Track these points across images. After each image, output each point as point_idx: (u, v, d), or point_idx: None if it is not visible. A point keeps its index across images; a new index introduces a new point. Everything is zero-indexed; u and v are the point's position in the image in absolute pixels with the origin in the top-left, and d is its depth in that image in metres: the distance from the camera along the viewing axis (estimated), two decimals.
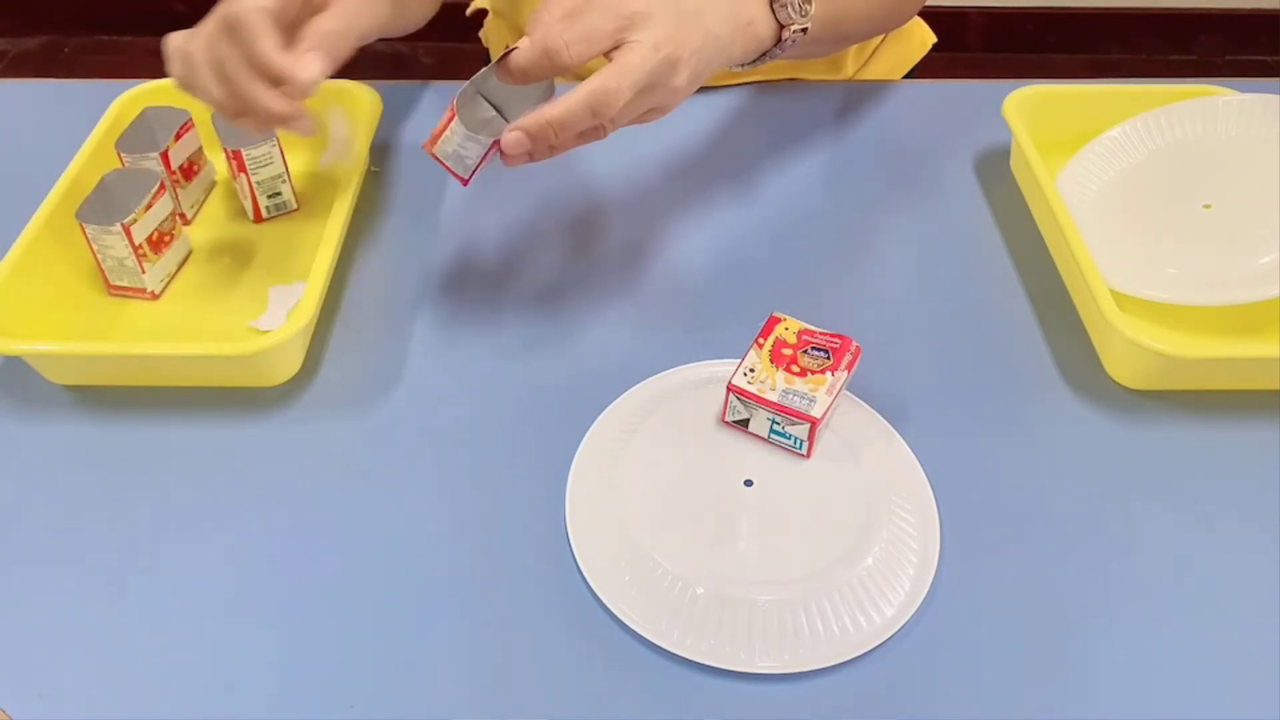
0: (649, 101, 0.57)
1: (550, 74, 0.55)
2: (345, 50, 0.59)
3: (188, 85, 0.58)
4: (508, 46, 0.56)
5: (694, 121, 0.82)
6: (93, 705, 0.48)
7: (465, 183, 0.59)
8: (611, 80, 0.54)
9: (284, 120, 0.57)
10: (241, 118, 0.58)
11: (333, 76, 0.76)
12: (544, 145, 0.56)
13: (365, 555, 0.53)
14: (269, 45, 0.55)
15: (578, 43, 0.54)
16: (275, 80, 0.56)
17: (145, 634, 0.50)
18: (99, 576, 0.52)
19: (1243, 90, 0.72)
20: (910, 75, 0.96)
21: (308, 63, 0.56)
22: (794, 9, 0.63)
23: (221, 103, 0.57)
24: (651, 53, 0.55)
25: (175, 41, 0.58)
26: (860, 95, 0.85)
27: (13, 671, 0.49)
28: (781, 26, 0.63)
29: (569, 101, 0.54)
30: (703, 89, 0.83)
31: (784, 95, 0.85)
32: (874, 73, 0.94)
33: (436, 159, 0.58)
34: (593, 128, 0.56)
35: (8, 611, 0.51)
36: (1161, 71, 2.29)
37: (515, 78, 0.56)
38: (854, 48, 0.93)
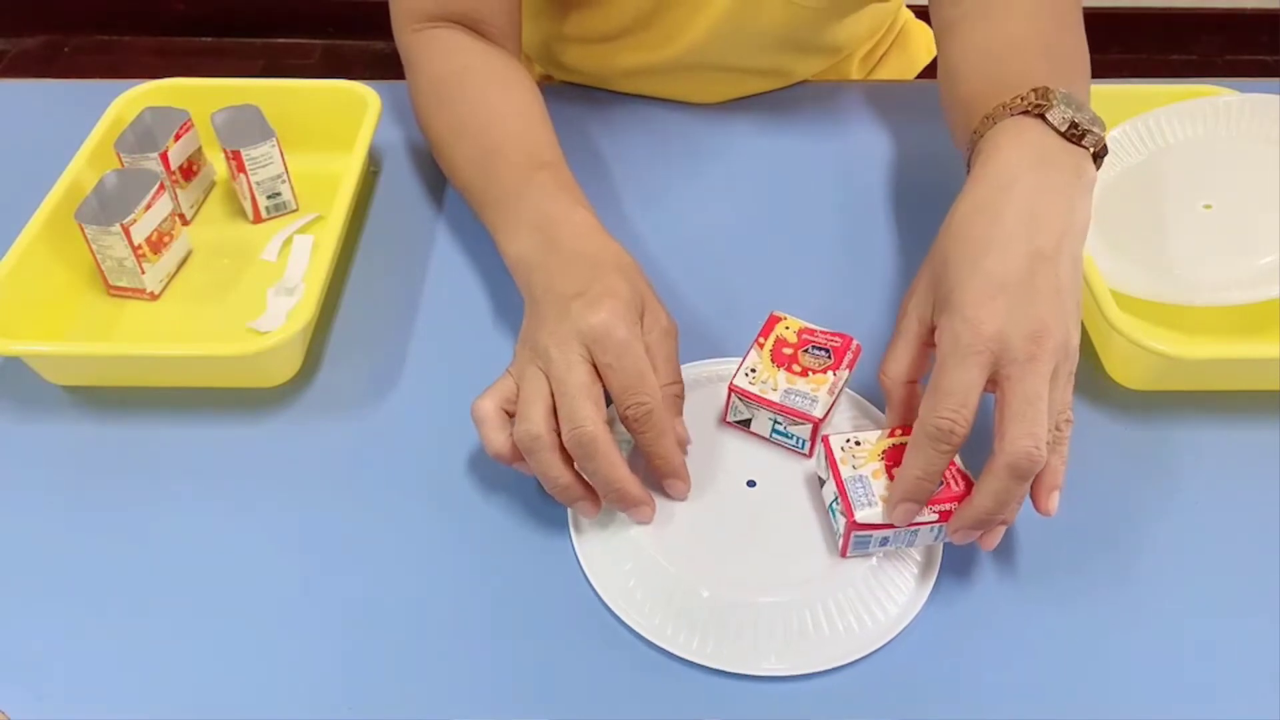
0: None
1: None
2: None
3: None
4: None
5: (698, 122, 0.82)
6: (92, 705, 0.48)
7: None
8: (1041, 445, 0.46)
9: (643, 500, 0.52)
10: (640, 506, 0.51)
11: (331, 77, 0.77)
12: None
13: (364, 555, 0.53)
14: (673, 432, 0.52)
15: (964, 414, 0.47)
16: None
17: (144, 634, 0.50)
18: (98, 577, 0.52)
19: (1243, 90, 0.72)
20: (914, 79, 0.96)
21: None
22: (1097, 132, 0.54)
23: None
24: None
25: (496, 430, 0.51)
26: (863, 95, 0.85)
27: (12, 671, 0.49)
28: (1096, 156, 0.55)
29: (991, 484, 0.46)
30: (704, 96, 0.84)
31: (787, 95, 0.84)
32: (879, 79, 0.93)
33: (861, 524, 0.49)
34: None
35: (7, 612, 0.51)
36: (1161, 71, 2.29)
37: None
38: (859, 58, 0.93)
